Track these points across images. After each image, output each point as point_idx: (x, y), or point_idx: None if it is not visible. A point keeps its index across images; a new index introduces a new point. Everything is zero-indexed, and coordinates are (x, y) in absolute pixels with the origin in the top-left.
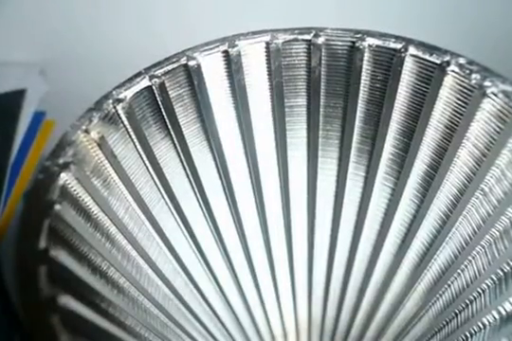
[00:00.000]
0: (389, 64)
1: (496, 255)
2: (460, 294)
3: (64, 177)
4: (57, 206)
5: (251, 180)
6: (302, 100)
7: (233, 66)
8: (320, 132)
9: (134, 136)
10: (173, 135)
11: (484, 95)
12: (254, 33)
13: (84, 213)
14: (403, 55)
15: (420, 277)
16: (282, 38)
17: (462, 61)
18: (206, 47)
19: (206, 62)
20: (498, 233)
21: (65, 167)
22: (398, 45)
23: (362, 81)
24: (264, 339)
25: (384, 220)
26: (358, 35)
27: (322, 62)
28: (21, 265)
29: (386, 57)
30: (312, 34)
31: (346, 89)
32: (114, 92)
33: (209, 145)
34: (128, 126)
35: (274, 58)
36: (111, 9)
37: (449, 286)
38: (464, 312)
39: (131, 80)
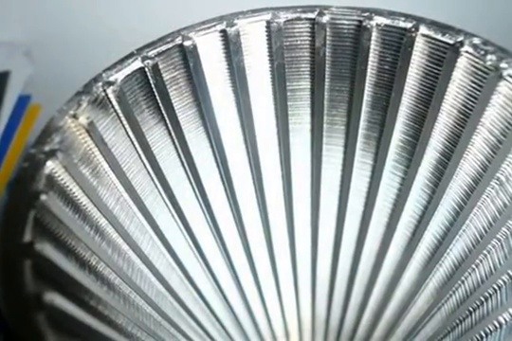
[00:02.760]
0: (398, 45)
1: None
2: (474, 290)
3: (51, 165)
4: (43, 197)
5: (251, 169)
6: (306, 84)
7: (232, 47)
8: (325, 117)
9: (125, 122)
10: (168, 121)
11: (501, 77)
12: (254, 11)
13: (72, 204)
14: (413, 35)
15: (432, 272)
16: (283, 17)
17: (476, 41)
18: (202, 27)
19: (202, 42)
20: None
21: (52, 154)
22: (408, 25)
23: (370, 63)
24: (264, 339)
25: (393, 211)
26: (366, 14)
27: (327, 42)
28: (4, 260)
29: (395, 37)
30: (316, 13)
31: (352, 71)
32: (104, 74)
33: (205, 131)
34: (119, 111)
35: (275, 38)
36: None
37: (463, 282)
38: (478, 309)
39: (122, 61)
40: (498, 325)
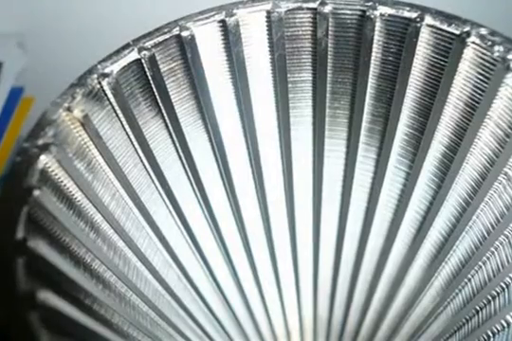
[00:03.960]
0: (403, 35)
1: None
2: (481, 289)
3: (45, 160)
4: (36, 192)
5: (251, 163)
6: (307, 75)
7: (231, 38)
8: (327, 110)
9: (121, 115)
10: (165, 114)
11: (508, 69)
12: (254, 1)
13: (66, 200)
14: (418, 25)
15: (437, 270)
16: (284, 6)
17: (483, 31)
18: (201, 17)
19: (201, 32)
20: None
21: (46, 148)
22: (413, 15)
23: (373, 54)
24: (265, 339)
25: (397, 207)
26: (369, 3)
27: (329, 32)
28: None
29: (399, 27)
30: (318, 2)
31: (355, 63)
32: (99, 66)
33: (204, 124)
34: (115, 103)
35: (276, 28)
36: None
37: (470, 280)
38: (485, 308)
39: (118, 52)
40: (506, 324)
